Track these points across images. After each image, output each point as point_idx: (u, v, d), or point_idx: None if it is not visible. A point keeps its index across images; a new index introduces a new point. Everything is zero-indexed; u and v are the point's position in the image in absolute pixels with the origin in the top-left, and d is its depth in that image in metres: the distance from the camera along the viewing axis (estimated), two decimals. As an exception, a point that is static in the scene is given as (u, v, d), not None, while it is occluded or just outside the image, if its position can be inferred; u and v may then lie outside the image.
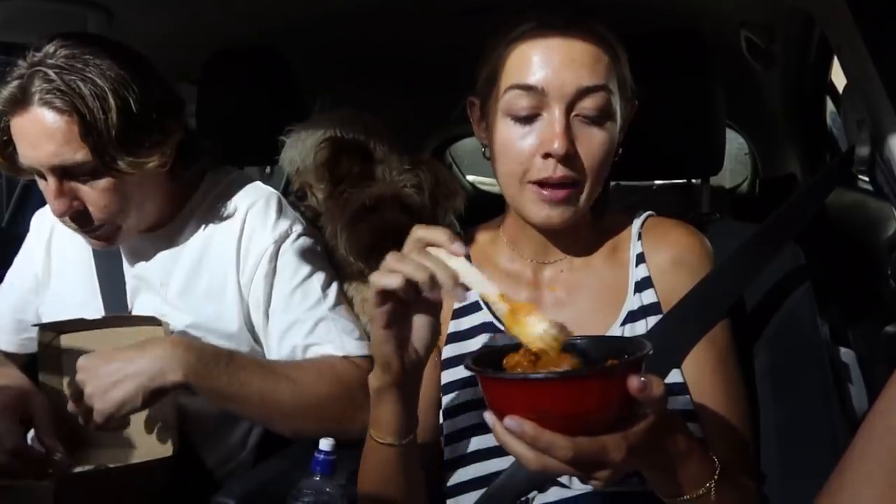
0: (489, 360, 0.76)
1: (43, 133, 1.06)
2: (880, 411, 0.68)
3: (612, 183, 1.66)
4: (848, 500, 0.67)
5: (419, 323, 0.85)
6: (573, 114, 0.91)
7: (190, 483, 1.15)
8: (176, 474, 1.10)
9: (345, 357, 1.20)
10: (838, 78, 1.97)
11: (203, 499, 1.06)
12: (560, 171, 0.91)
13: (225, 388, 1.08)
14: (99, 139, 1.06)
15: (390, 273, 0.79)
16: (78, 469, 1.14)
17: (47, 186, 1.11)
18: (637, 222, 1.05)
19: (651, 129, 1.01)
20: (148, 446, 1.15)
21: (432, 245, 0.80)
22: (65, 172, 1.09)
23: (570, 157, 0.90)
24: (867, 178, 1.21)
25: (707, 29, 1.42)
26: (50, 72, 1.05)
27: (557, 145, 0.89)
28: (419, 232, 0.82)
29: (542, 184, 0.92)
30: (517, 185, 0.95)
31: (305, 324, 1.20)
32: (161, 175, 1.18)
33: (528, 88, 0.90)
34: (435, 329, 0.87)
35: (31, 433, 1.12)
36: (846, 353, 1.39)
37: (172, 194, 1.24)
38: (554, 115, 0.90)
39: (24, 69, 1.07)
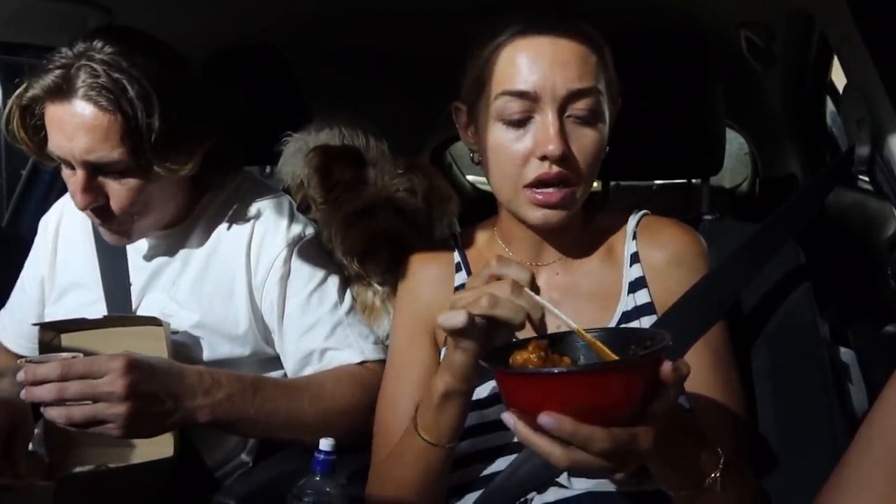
0: (496, 359, 0.75)
1: (81, 127, 1.04)
2: (880, 411, 0.68)
3: (613, 183, 1.66)
4: (848, 500, 0.67)
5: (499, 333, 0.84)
6: (566, 115, 0.92)
7: (190, 483, 1.15)
8: (176, 474, 1.10)
9: (361, 363, 1.20)
10: (838, 77, 1.97)
11: (203, 499, 1.07)
12: (556, 170, 0.92)
13: (251, 418, 1.07)
14: (138, 141, 1.05)
15: (458, 311, 0.79)
16: (78, 469, 1.14)
17: (74, 178, 1.09)
18: (632, 221, 1.05)
19: (651, 128, 1.02)
20: (148, 446, 1.14)
21: (517, 283, 0.83)
22: (95, 168, 1.08)
23: (565, 158, 0.91)
24: (867, 178, 1.21)
25: (707, 28, 1.43)
26: (97, 67, 1.03)
27: (553, 147, 0.89)
28: (512, 270, 0.88)
29: (536, 185, 0.93)
30: (512, 189, 0.95)
31: (324, 327, 1.20)
32: (184, 178, 1.17)
33: (519, 94, 0.91)
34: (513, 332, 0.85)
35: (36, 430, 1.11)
36: (846, 353, 1.39)
37: (190, 196, 1.24)
38: (547, 118, 0.90)
39: (70, 59, 1.04)
